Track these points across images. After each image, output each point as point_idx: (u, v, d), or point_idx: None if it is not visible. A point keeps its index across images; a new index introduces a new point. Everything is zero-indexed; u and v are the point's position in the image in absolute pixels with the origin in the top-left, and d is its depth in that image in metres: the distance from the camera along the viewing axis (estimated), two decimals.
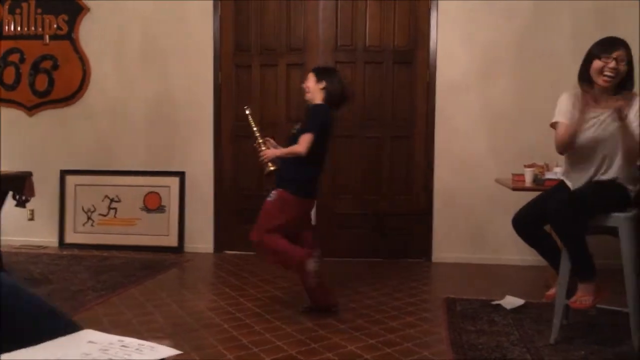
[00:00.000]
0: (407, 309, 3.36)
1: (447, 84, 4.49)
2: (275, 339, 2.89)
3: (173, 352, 1.04)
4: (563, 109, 2.84)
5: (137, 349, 1.01)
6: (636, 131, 2.65)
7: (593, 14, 4.26)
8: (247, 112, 3.43)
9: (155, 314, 3.25)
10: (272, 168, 3.24)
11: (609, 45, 2.71)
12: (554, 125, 2.87)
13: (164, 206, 4.87)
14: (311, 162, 3.18)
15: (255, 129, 3.33)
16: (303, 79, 4.62)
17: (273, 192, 3.25)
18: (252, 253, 4.73)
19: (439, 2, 4.46)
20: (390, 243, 4.62)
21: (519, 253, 4.23)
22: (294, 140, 3.21)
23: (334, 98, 3.24)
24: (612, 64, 2.66)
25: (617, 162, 2.74)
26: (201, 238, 4.85)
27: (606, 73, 2.69)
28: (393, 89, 4.62)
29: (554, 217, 2.69)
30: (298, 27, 4.70)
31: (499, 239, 4.35)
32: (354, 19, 4.62)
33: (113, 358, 0.97)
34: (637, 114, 2.67)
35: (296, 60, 4.72)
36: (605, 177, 2.76)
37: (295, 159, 3.14)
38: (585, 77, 2.78)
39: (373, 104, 4.64)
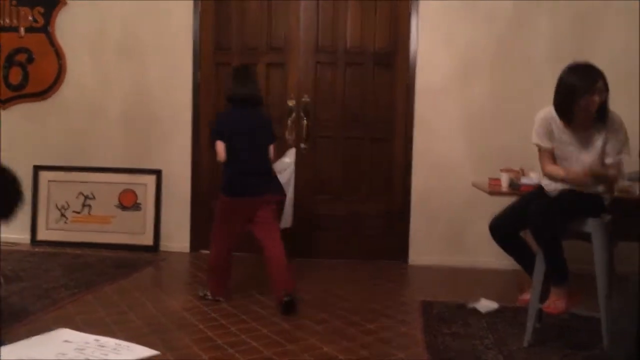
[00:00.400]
0: (384, 311, 3.37)
1: (426, 87, 4.52)
2: (251, 340, 2.87)
3: (150, 352, 1.03)
4: (541, 132, 2.89)
5: (114, 349, 1.00)
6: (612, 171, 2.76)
7: (572, 19, 4.33)
8: None
9: (129, 313, 3.20)
10: None
11: (591, 80, 2.66)
12: (536, 145, 2.92)
13: (140, 204, 4.80)
14: (230, 163, 3.41)
15: None
16: (284, 79, 4.67)
17: None
18: None
19: (420, 4, 4.48)
20: (368, 244, 4.63)
21: (495, 256, 4.24)
22: None
23: (233, 98, 3.46)
24: (597, 99, 2.67)
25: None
26: (177, 237, 4.80)
27: (592, 109, 2.69)
28: (373, 91, 4.63)
29: (534, 221, 2.72)
30: (279, 26, 4.68)
31: (475, 242, 4.39)
32: (335, 20, 4.62)
33: (90, 358, 0.95)
34: (614, 146, 2.74)
35: (277, 60, 4.70)
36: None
37: (223, 163, 3.44)
38: (567, 111, 2.75)
39: (353, 105, 4.64)
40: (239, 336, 2.92)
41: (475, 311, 3.34)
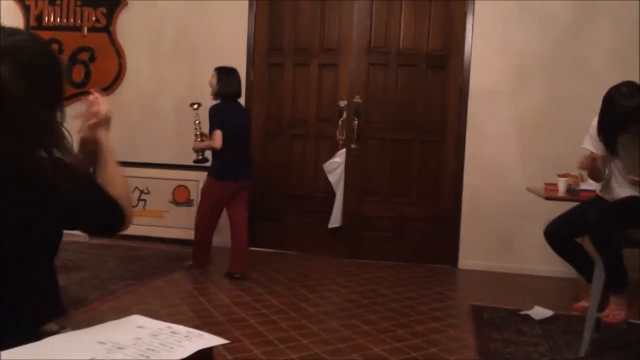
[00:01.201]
0: (433, 314, 3.33)
1: (480, 89, 4.45)
2: (301, 337, 2.89)
3: (221, 341, 1.05)
4: (592, 138, 2.80)
5: (185, 336, 1.02)
6: None
7: (633, 23, 4.18)
8: (195, 107, 4.14)
9: (182, 305, 3.29)
10: (199, 158, 4.10)
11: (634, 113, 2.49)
12: (585, 149, 2.85)
13: (192, 200, 4.91)
14: (224, 150, 3.83)
15: (197, 122, 4.06)
16: (335, 79, 4.70)
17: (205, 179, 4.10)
18: (276, 250, 4.76)
19: (475, 5, 4.43)
20: (415, 247, 4.59)
21: (547, 263, 4.18)
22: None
23: (225, 93, 3.97)
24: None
25: None
26: (227, 233, 4.85)
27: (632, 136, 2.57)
28: (425, 93, 4.59)
29: (594, 228, 2.65)
30: (332, 27, 4.70)
31: (527, 247, 4.30)
32: (388, 21, 4.61)
33: (164, 343, 0.99)
34: None
35: (329, 61, 4.72)
36: None
37: (218, 150, 3.87)
38: (609, 137, 2.62)
39: (404, 107, 4.62)
40: (288, 332, 2.95)
41: (528, 318, 3.27)
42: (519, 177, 4.32)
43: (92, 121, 1.40)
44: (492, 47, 4.43)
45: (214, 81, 3.99)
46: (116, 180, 1.36)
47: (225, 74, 4.00)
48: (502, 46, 4.42)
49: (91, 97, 1.42)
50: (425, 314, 3.33)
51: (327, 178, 4.70)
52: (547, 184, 3.65)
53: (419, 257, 4.56)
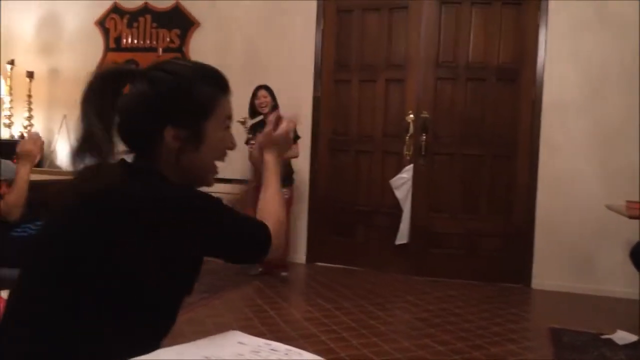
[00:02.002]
0: (509, 335, 3.23)
1: (554, 103, 4.32)
2: (373, 355, 2.87)
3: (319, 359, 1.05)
4: None
5: (285, 354, 1.03)
6: None
7: None
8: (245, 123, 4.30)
9: (254, 319, 3.33)
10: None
11: None
12: None
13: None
14: None
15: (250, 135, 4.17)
16: (402, 94, 4.67)
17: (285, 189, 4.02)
18: (344, 266, 4.76)
19: (549, 17, 4.31)
20: (487, 265, 4.47)
21: (629, 285, 3.97)
22: None
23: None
24: None
25: None
26: (294, 248, 4.92)
27: None
28: (495, 107, 4.49)
29: None
30: (399, 42, 4.69)
31: (607, 268, 4.11)
32: (456, 34, 4.55)
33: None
34: None
35: (396, 76, 4.71)
36: None
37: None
38: None
39: (474, 121, 4.53)
40: (360, 350, 2.93)
41: (611, 342, 3.11)
42: (596, 193, 4.14)
43: (262, 140, 1.39)
44: (567, 58, 4.30)
45: (269, 99, 4.26)
46: (270, 205, 1.32)
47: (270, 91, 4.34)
48: (577, 57, 4.28)
49: (271, 117, 1.45)
50: (501, 335, 3.23)
51: (394, 194, 4.66)
52: (629, 202, 3.47)
53: (490, 276, 4.43)
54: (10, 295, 1.14)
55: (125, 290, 1.08)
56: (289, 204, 4.16)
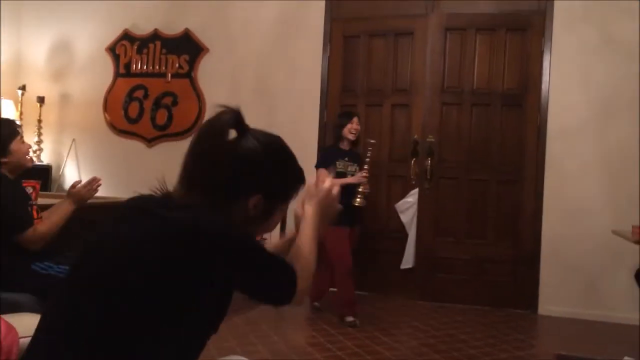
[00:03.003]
0: None
1: (559, 128, 4.33)
2: None
3: None
4: None
5: None
6: None
7: None
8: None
9: (258, 345, 3.32)
10: (363, 204, 3.93)
11: None
12: None
13: (265, 238, 4.98)
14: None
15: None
16: (408, 119, 4.71)
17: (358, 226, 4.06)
18: None
19: (553, 42, 4.35)
20: (493, 291, 4.44)
21: (635, 311, 3.92)
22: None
23: None
24: None
25: None
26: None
27: None
28: (501, 132, 4.51)
29: None
30: (405, 68, 4.75)
31: (615, 294, 4.07)
32: (462, 60, 4.60)
33: None
34: None
35: (402, 101, 4.75)
36: None
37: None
38: None
39: (479, 146, 4.55)
40: None
41: None
42: (604, 218, 4.13)
43: (306, 196, 1.41)
44: (572, 83, 4.33)
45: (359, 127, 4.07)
46: (302, 251, 1.31)
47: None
48: (583, 82, 4.30)
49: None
50: None
51: (399, 218, 4.67)
52: (634, 227, 3.46)
53: (496, 301, 4.40)
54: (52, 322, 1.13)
55: (176, 319, 1.11)
56: (354, 242, 4.03)
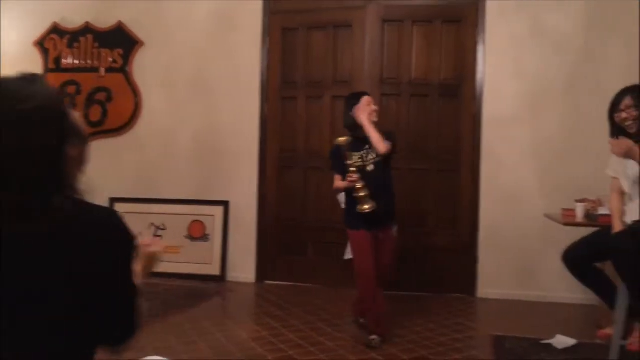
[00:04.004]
0: (454, 345, 3.27)
1: (493, 117, 4.45)
2: None
3: None
4: (614, 163, 2.94)
5: None
6: None
7: None
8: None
9: (199, 342, 3.26)
10: (371, 209, 3.24)
11: (615, 102, 2.86)
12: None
13: (208, 235, 4.93)
14: None
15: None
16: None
17: (395, 228, 3.51)
18: (294, 284, 4.74)
19: (486, 34, 4.46)
20: (434, 277, 4.53)
21: (568, 291, 4.09)
22: (378, 170, 3.30)
23: None
24: (624, 115, 2.80)
25: None
26: (243, 267, 4.87)
27: (625, 124, 2.81)
28: (439, 122, 4.60)
29: (616, 252, 2.60)
30: (344, 60, 4.76)
31: (548, 275, 4.23)
32: (399, 52, 4.65)
33: None
34: None
35: (342, 93, 4.73)
36: None
37: (393, 192, 3.44)
38: (617, 133, 2.87)
39: (419, 137, 4.62)
40: None
41: (551, 347, 3.19)
42: (537, 203, 4.27)
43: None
44: (505, 74, 4.44)
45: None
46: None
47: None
48: (515, 73, 4.43)
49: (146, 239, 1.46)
50: (446, 345, 3.26)
51: (343, 210, 4.67)
52: (564, 210, 3.60)
53: (438, 287, 4.50)
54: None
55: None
56: (386, 245, 3.41)
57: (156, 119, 5.07)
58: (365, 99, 3.36)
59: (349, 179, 3.22)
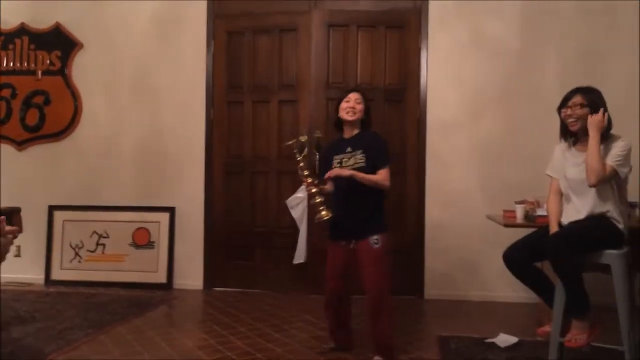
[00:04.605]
0: (401, 346, 3.30)
1: (437, 121, 4.55)
2: None
3: None
4: (555, 164, 3.01)
5: None
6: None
7: (578, 56, 4.37)
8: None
9: (144, 353, 3.17)
10: (327, 217, 3.00)
11: (566, 97, 2.91)
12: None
13: (153, 242, 4.81)
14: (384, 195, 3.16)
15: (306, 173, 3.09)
16: (295, 115, 4.72)
17: (375, 237, 3.08)
18: (242, 290, 4.69)
19: (429, 40, 4.55)
20: None
21: (512, 289, 4.22)
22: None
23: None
24: (569, 112, 2.86)
25: (610, 198, 2.77)
26: (190, 274, 4.79)
27: (568, 120, 2.88)
28: (384, 126, 4.63)
29: (552, 253, 2.69)
30: (290, 64, 4.76)
31: (491, 275, 4.35)
32: (345, 56, 4.69)
33: None
34: (615, 157, 2.73)
35: (288, 97, 4.76)
36: (597, 210, 2.78)
37: (376, 193, 3.11)
38: (563, 130, 2.96)
39: None
40: None
41: (494, 346, 3.28)
42: (479, 205, 4.39)
43: None
44: (447, 79, 4.55)
45: (361, 105, 3.13)
46: None
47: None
48: (456, 78, 4.54)
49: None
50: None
51: (290, 214, 4.67)
52: (505, 211, 3.72)
53: None
54: None
55: None
56: (362, 259, 3.11)
57: (97, 123, 4.92)
58: (347, 97, 3.12)
59: (307, 182, 3.03)
